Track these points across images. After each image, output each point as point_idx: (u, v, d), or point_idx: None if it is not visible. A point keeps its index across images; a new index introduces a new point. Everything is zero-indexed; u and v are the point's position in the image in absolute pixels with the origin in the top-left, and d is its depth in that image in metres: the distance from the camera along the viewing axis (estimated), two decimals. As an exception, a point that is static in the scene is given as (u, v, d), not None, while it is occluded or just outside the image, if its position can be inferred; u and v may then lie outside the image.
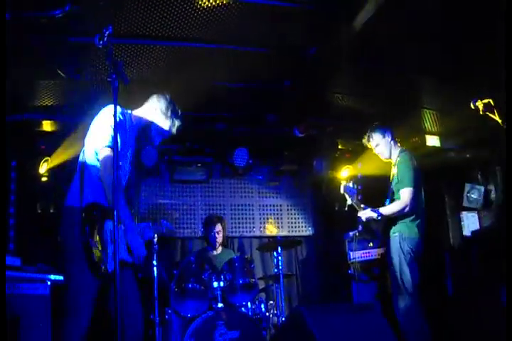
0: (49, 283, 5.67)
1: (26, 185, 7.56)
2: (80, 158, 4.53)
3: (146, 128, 4.79)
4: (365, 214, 6.00)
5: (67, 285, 4.41)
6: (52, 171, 7.70)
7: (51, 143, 7.38)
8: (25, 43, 5.49)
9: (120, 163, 4.44)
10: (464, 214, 7.89)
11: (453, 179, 8.31)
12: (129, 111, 4.73)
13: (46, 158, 7.55)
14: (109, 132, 4.28)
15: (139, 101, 4.88)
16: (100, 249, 4.16)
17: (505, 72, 4.32)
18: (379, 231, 6.14)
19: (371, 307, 4.99)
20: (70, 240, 4.26)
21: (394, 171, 6.08)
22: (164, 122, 4.81)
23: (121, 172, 4.48)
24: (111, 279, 4.11)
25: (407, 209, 5.78)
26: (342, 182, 6.54)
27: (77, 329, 4.23)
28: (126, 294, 4.38)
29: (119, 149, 4.27)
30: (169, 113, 4.79)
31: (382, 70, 6.56)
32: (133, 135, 4.72)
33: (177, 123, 4.86)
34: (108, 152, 4.26)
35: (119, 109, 4.24)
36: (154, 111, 4.78)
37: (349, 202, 6.22)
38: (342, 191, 6.25)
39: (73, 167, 4.64)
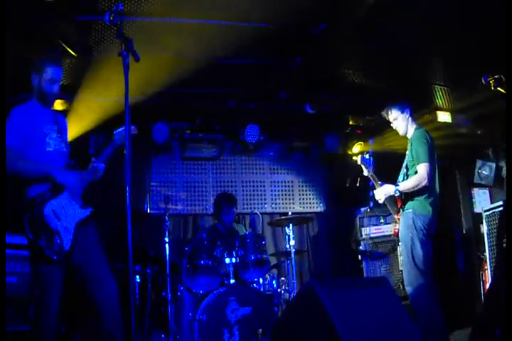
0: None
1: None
2: None
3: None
4: (384, 189, 5.99)
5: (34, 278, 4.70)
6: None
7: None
8: (35, 21, 5.48)
9: (50, 141, 4.79)
10: (476, 191, 7.89)
11: (464, 155, 8.28)
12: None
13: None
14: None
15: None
16: (48, 238, 4.41)
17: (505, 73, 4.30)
18: (391, 205, 6.13)
19: (383, 281, 4.99)
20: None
21: (409, 147, 6.06)
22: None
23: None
24: (69, 256, 4.51)
25: (424, 183, 5.75)
26: (358, 154, 6.53)
27: (46, 317, 4.45)
28: (91, 258, 4.69)
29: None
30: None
31: (393, 46, 6.52)
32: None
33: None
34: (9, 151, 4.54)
35: (17, 111, 4.70)
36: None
37: (365, 173, 6.21)
38: (359, 162, 6.23)
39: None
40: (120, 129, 4.82)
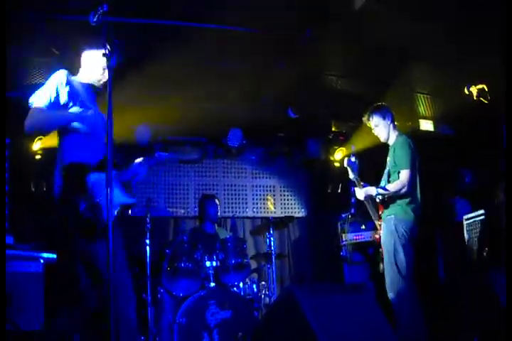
0: (42, 261, 5.70)
1: (20, 163, 7.56)
2: None
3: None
4: (366, 191, 6.01)
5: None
6: (46, 149, 7.70)
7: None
8: (18, 20, 5.46)
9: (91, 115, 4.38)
10: (457, 199, 7.92)
11: (446, 163, 8.32)
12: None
13: (40, 136, 7.53)
14: (47, 92, 4.26)
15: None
16: (90, 208, 4.07)
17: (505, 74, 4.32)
18: (373, 211, 6.15)
19: (363, 287, 5.01)
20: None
21: (391, 154, 6.08)
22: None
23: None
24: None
25: (404, 189, 5.77)
26: (344, 158, 6.55)
27: (84, 313, 4.18)
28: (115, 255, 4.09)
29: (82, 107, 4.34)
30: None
31: (376, 53, 6.56)
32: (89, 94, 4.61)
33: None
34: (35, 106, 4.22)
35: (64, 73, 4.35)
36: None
37: (351, 176, 6.20)
38: (345, 165, 6.22)
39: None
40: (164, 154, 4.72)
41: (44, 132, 4.59)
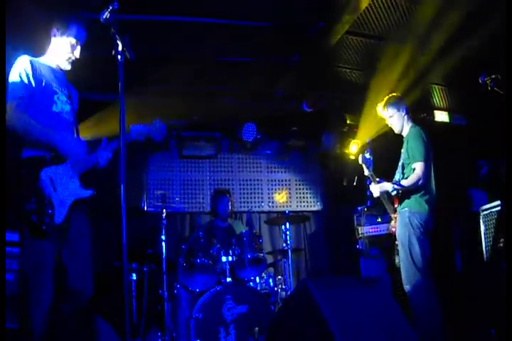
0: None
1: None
2: None
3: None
4: (382, 187, 5.99)
5: (23, 258, 4.20)
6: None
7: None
8: (29, 17, 5.46)
9: (57, 101, 4.34)
10: (474, 190, 7.87)
11: (462, 155, 8.27)
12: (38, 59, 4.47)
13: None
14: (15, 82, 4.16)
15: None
16: (38, 203, 3.95)
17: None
18: (388, 205, 6.13)
19: (378, 281, 4.99)
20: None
21: (404, 145, 6.05)
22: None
23: (60, 110, 4.36)
24: (61, 231, 4.03)
25: (420, 182, 5.76)
26: (358, 154, 6.53)
27: (39, 306, 3.95)
28: (78, 247, 4.20)
29: (46, 90, 4.26)
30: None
31: (390, 45, 6.53)
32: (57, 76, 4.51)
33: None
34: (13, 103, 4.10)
35: (27, 58, 4.25)
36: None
37: (366, 173, 6.18)
38: (360, 162, 6.21)
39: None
40: (138, 126, 4.54)
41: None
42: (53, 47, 4.46)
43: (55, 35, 4.42)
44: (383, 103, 6.21)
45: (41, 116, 4.20)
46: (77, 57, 4.47)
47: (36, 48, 4.59)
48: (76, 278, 4.15)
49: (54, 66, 4.48)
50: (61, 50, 4.43)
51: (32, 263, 4.00)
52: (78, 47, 4.46)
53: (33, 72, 4.20)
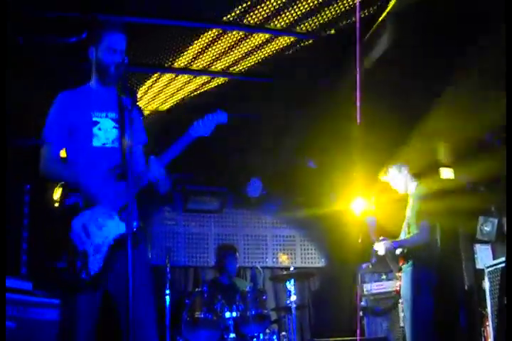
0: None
1: (40, 209, 7.59)
2: None
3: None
4: (385, 244, 6.00)
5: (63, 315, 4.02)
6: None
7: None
8: (36, 67, 5.53)
9: (98, 132, 3.89)
10: (478, 247, 7.85)
11: (466, 212, 8.28)
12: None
13: (61, 183, 7.53)
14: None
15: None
16: (69, 261, 3.61)
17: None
18: (393, 263, 6.13)
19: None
20: None
21: (410, 204, 6.09)
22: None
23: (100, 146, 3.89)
24: (100, 282, 3.64)
25: (424, 240, 5.78)
26: (367, 216, 6.59)
27: None
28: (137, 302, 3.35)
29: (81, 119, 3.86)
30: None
31: (396, 104, 6.62)
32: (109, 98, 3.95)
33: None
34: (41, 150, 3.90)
35: (60, 96, 3.92)
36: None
37: (371, 234, 6.22)
38: (368, 223, 6.27)
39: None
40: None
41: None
42: (94, 64, 3.97)
43: (91, 52, 3.93)
44: (383, 170, 6.31)
45: (82, 153, 3.88)
46: (119, 63, 3.82)
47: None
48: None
49: (102, 84, 4.00)
50: (100, 64, 3.92)
51: (67, 317, 3.76)
52: (119, 55, 3.87)
53: (68, 111, 3.87)
